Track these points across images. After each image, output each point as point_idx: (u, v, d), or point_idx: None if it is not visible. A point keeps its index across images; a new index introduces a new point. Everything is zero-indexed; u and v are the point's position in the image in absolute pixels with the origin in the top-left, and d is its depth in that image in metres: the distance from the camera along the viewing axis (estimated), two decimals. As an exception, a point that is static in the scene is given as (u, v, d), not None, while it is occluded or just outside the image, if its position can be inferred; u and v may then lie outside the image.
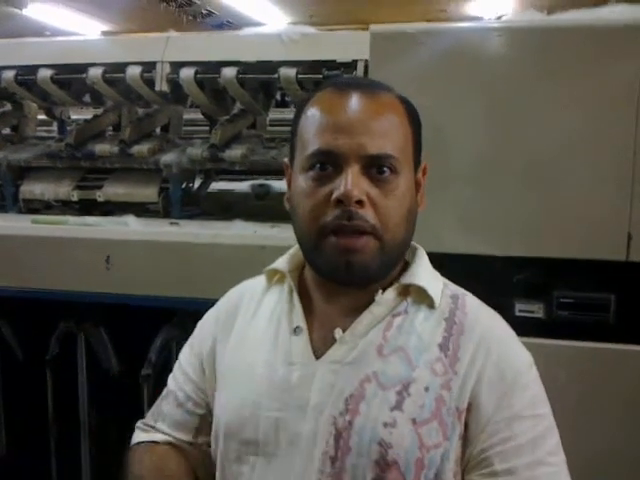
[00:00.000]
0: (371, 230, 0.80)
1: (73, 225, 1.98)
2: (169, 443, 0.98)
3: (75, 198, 2.22)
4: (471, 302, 0.90)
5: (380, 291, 0.87)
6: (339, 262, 0.81)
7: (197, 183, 2.40)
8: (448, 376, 0.82)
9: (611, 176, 1.42)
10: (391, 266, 0.87)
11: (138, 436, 1.01)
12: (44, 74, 2.20)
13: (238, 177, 2.61)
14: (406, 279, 0.88)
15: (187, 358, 1.01)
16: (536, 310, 1.45)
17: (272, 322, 0.92)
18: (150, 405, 1.85)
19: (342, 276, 0.83)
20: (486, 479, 0.80)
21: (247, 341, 0.93)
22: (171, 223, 2.01)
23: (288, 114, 2.65)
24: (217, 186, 2.51)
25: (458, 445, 0.81)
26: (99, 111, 2.49)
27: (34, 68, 2.23)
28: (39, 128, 2.88)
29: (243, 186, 2.45)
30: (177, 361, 1.03)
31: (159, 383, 1.87)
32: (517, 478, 0.79)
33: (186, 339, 1.99)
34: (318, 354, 0.86)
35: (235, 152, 2.05)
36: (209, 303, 1.72)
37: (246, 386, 0.89)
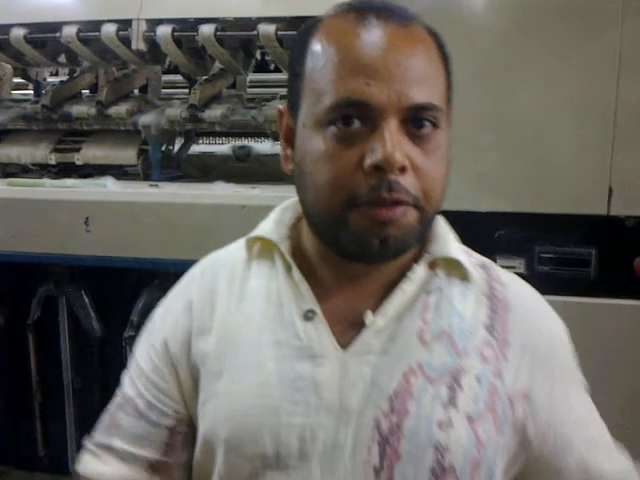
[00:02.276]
0: (412, 202, 0.65)
1: (51, 187, 1.95)
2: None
3: (53, 161, 2.19)
4: (502, 272, 0.79)
5: (415, 265, 0.73)
6: (372, 238, 0.66)
7: (177, 146, 2.36)
8: (499, 363, 0.72)
9: (592, 131, 1.41)
10: (425, 236, 0.73)
11: (87, 463, 0.82)
12: (17, 33, 2.15)
13: (219, 140, 2.58)
14: (436, 250, 0.75)
15: (147, 356, 0.81)
16: (517, 265, 1.45)
17: (270, 305, 0.75)
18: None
19: (374, 255, 0.68)
20: (571, 456, 0.75)
21: (240, 330, 0.75)
22: (151, 185, 1.99)
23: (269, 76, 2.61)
24: (198, 148, 2.48)
25: (511, 436, 0.72)
26: (75, 73, 2.44)
27: (7, 27, 2.17)
28: (14, 92, 2.81)
29: (224, 148, 2.43)
30: (133, 358, 0.84)
31: (142, 345, 1.89)
32: (597, 443, 0.77)
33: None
34: (341, 342, 0.71)
35: (215, 112, 2.02)
36: (190, 264, 1.72)
37: (252, 389, 0.72)
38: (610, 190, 1.40)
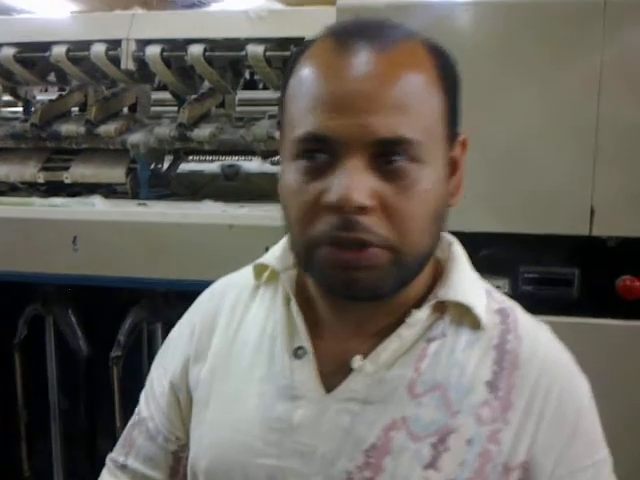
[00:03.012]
0: (381, 243, 0.61)
1: (39, 206, 1.95)
2: None
3: (41, 180, 2.18)
4: (523, 320, 0.72)
5: (414, 311, 0.68)
6: (337, 280, 0.63)
7: (166, 164, 2.37)
8: (497, 425, 0.65)
9: (573, 151, 1.43)
10: (411, 280, 0.67)
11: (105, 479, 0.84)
12: (7, 53, 2.15)
13: (208, 158, 2.59)
14: (445, 293, 0.69)
15: (159, 378, 0.82)
16: (502, 285, 1.46)
17: (265, 338, 0.73)
18: (120, 388, 1.87)
19: (344, 295, 0.65)
20: None
21: (232, 361, 0.74)
22: (139, 204, 1.99)
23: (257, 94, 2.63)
24: (186, 167, 2.49)
25: None
26: (64, 91, 2.45)
27: (-4, 46, 2.18)
28: (3, 109, 2.82)
29: (213, 167, 2.44)
30: (149, 378, 0.85)
31: (128, 365, 1.89)
32: None
33: (155, 321, 1.98)
34: (328, 386, 0.68)
35: (203, 131, 2.03)
36: (178, 284, 1.73)
37: (233, 423, 0.71)
38: (592, 210, 1.41)
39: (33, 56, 2.19)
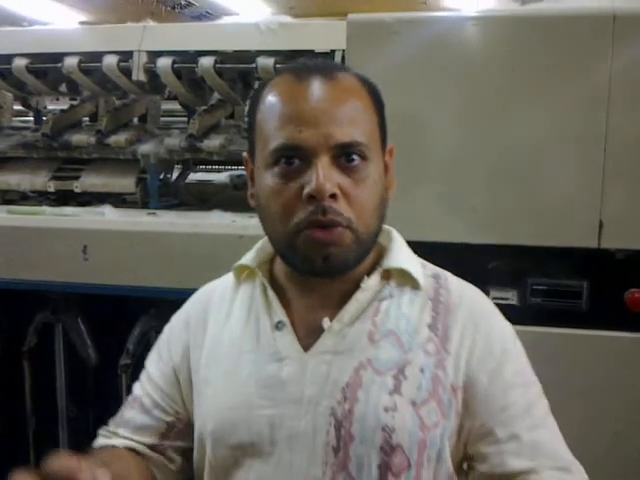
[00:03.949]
0: (345, 223, 0.79)
1: (50, 215, 1.97)
2: (128, 448, 0.94)
3: (52, 189, 2.20)
4: (452, 280, 0.91)
5: (366, 277, 0.86)
6: (316, 257, 0.79)
7: (175, 174, 2.39)
8: (441, 355, 0.83)
9: (582, 164, 1.44)
10: (365, 255, 0.85)
11: (98, 442, 0.96)
12: (19, 63, 2.18)
13: (216, 168, 2.61)
14: (388, 263, 0.88)
15: (155, 365, 0.97)
16: (510, 297, 1.47)
17: (250, 320, 0.89)
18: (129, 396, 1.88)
19: (320, 270, 0.81)
20: (491, 446, 0.82)
21: (225, 343, 0.90)
22: (149, 213, 2.01)
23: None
24: (195, 177, 2.50)
25: (455, 421, 0.83)
26: (76, 101, 2.47)
27: (9, 57, 2.20)
28: (15, 118, 2.85)
29: (221, 177, 2.45)
30: (144, 368, 0.99)
31: (137, 373, 1.89)
32: (521, 442, 0.81)
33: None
34: (306, 347, 0.85)
35: (213, 142, 2.04)
36: (187, 293, 1.73)
37: (232, 389, 0.86)
38: (601, 223, 1.42)
39: (45, 67, 2.22)
